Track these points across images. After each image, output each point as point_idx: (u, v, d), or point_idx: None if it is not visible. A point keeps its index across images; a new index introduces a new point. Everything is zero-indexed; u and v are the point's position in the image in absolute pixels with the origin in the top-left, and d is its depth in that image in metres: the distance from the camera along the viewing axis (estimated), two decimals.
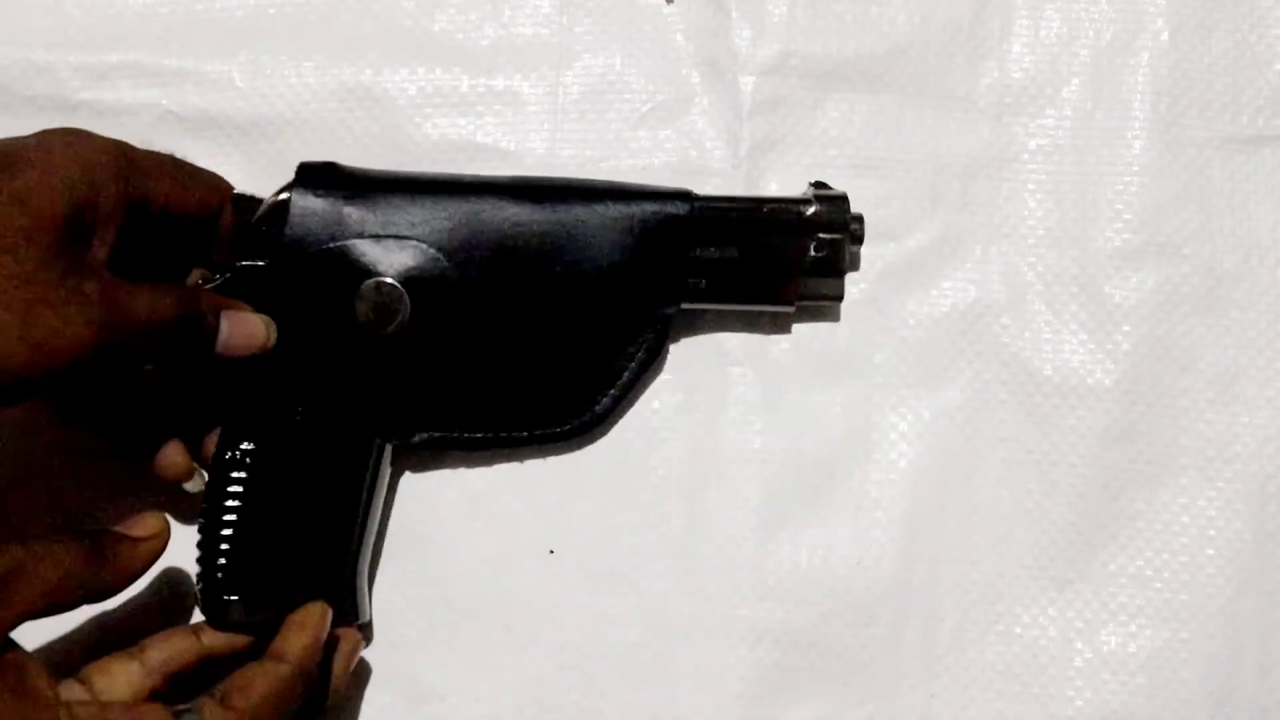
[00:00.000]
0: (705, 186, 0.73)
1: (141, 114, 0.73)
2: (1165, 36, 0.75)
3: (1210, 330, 0.72)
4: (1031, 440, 0.71)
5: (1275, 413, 0.71)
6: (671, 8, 0.75)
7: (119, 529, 0.58)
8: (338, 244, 0.66)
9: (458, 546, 0.70)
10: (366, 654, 0.69)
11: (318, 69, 0.73)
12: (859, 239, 0.70)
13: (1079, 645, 0.70)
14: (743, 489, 0.71)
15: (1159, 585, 0.70)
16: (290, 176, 0.71)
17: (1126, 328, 0.72)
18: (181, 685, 0.60)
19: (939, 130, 0.74)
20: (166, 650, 0.61)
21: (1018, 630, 0.70)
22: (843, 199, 0.69)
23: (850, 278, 0.72)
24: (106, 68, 0.73)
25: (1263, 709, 0.69)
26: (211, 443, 0.66)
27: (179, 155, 0.72)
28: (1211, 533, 0.70)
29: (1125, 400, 0.71)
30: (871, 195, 0.73)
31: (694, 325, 0.72)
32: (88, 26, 0.73)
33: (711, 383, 0.72)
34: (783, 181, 0.74)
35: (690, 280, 0.68)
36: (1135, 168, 0.74)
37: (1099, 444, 0.71)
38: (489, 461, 0.71)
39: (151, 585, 0.69)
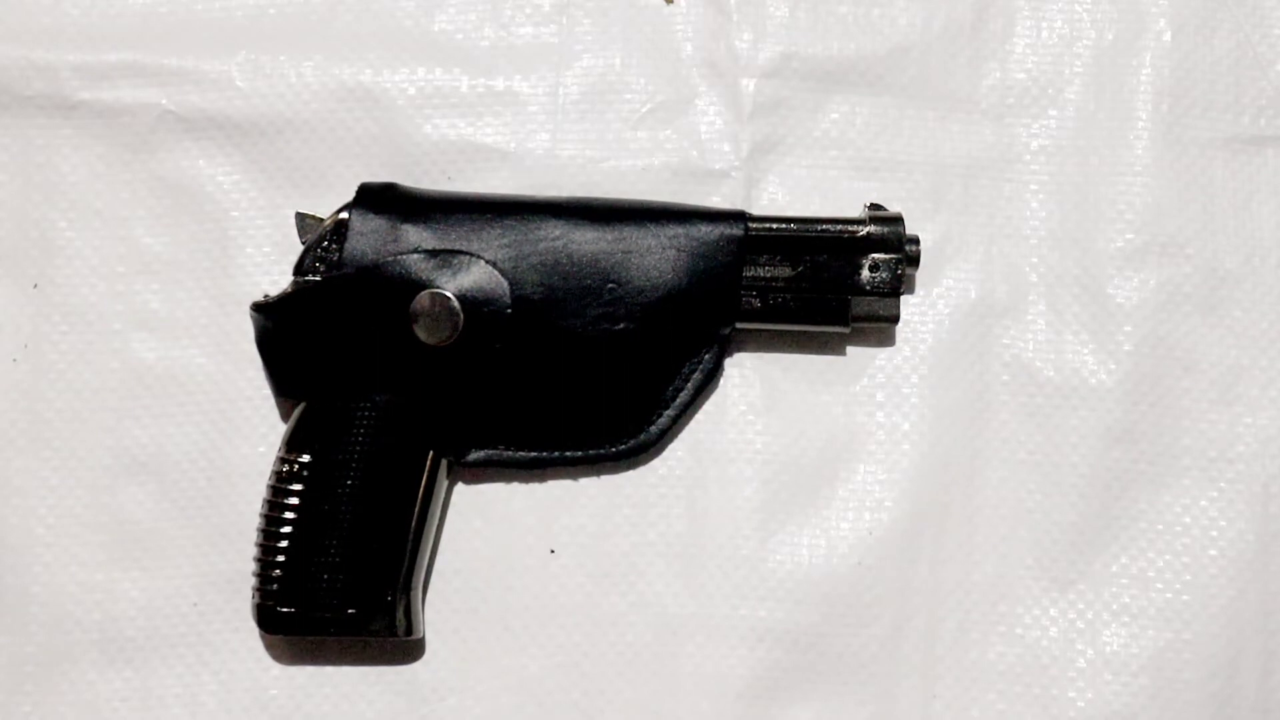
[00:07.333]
0: (706, 187, 0.73)
1: (141, 114, 0.73)
2: (1168, 37, 0.75)
3: (1212, 330, 0.72)
4: (1033, 441, 0.71)
5: (1278, 413, 0.71)
6: (672, 8, 0.75)
7: None
8: (394, 259, 0.66)
9: (458, 546, 0.70)
10: (366, 652, 0.69)
11: (318, 69, 0.73)
12: (915, 260, 0.69)
13: (1081, 646, 0.70)
14: (743, 489, 0.70)
15: (1161, 586, 0.70)
16: (291, 177, 0.71)
17: (1128, 328, 0.72)
18: None
19: (941, 131, 0.74)
20: None
21: (1019, 631, 0.70)
22: (898, 219, 0.69)
23: None
24: (106, 67, 0.73)
25: (1265, 710, 0.68)
26: None
27: (179, 155, 0.72)
28: (1214, 533, 0.70)
29: (1127, 401, 0.71)
30: (873, 197, 0.72)
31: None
32: (87, 26, 0.73)
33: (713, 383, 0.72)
34: (784, 183, 0.74)
35: (744, 299, 0.68)
36: (1137, 168, 0.74)
37: (1101, 444, 0.71)
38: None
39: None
